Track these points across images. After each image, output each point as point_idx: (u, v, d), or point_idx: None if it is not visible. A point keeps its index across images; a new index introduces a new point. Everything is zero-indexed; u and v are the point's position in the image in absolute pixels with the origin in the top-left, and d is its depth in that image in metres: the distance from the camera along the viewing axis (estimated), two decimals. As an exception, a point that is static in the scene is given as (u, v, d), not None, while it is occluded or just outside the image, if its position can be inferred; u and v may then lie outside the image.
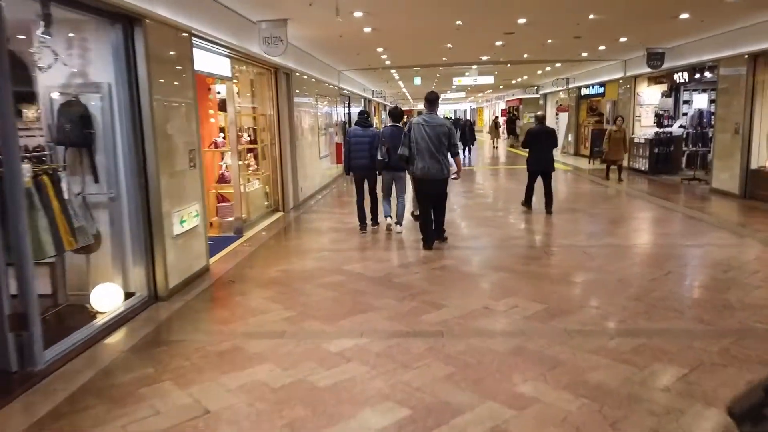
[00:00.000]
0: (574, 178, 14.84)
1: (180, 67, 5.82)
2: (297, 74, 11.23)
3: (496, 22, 9.69)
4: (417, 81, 19.07)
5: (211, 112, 8.54)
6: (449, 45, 12.35)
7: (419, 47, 12.74)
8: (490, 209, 10.39)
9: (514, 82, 25.82)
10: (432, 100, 7.10)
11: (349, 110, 19.45)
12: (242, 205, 8.43)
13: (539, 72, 20.67)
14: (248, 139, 9.52)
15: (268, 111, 10.03)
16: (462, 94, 33.34)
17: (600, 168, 16.71)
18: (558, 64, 17.72)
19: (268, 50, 8.30)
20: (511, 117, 31.79)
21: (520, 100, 33.01)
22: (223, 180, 8.33)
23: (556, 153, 23.75)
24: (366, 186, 8.28)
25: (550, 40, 12.08)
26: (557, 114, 26.46)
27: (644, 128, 15.82)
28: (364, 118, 8.44)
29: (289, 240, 8.16)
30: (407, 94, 34.20)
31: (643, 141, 14.97)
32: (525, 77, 23.56)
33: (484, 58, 15.20)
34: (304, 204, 11.25)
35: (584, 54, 14.82)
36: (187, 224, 5.75)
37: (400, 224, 8.10)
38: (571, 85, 21.58)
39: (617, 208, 10.41)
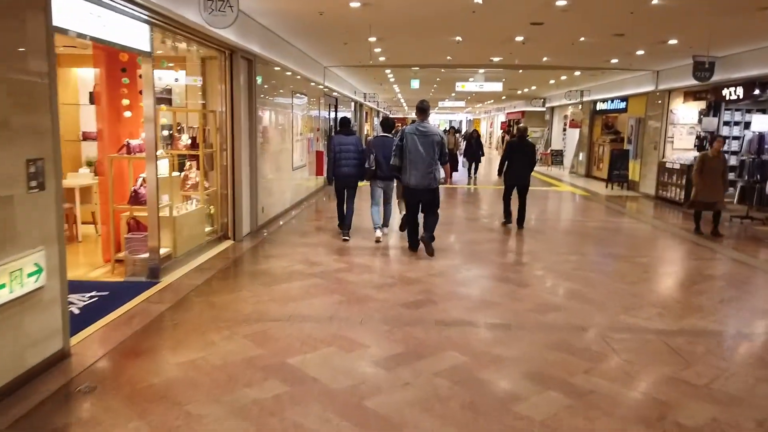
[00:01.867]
0: (595, 208, 12.50)
1: (12, 17, 3.36)
2: (264, 62, 8.80)
3: (526, 3, 7.32)
4: (415, 84, 16.74)
5: (126, 102, 6.07)
6: (458, 38, 9.98)
7: (421, 40, 10.38)
8: (506, 253, 7.98)
9: (519, 92, 23.59)
10: (424, 110, 7.04)
11: (336, 114, 17.04)
12: (164, 234, 5.98)
13: (551, 82, 18.41)
14: (188, 143, 7.08)
15: (218, 107, 7.59)
16: (461, 103, 31.09)
17: (618, 195, 14.41)
18: (577, 73, 15.44)
19: (212, 20, 5.86)
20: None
21: (523, 113, 30.81)
22: (137, 200, 5.85)
23: (563, 173, 21.61)
24: (346, 194, 8.27)
25: (582, 38, 9.75)
26: (565, 130, 24.27)
27: (677, 152, 13.56)
28: (347, 125, 8.43)
29: (223, 293, 5.66)
30: (402, 100, 31.89)
31: (677, 167, 12.69)
32: (533, 87, 21.31)
33: (496, 59, 12.86)
34: (266, 228, 8.79)
35: (614, 60, 12.54)
36: (14, 290, 3.28)
37: (386, 226, 8.35)
38: (585, 99, 19.33)
39: (673, 257, 8.07)
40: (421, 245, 7.14)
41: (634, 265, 7.14)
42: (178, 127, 7.46)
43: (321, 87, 14.08)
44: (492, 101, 32.71)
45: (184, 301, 5.19)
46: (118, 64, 5.96)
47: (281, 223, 9.38)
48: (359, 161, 7.98)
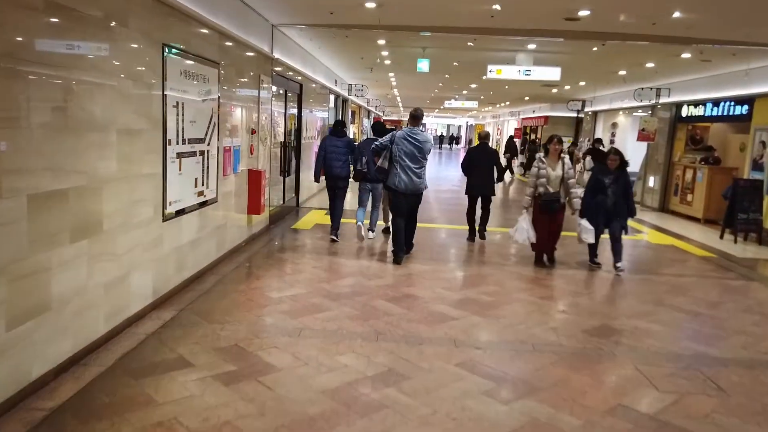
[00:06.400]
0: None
1: None
2: None
3: None
4: (423, 65, 10.78)
5: None
6: None
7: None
8: None
9: (554, 90, 17.72)
10: (417, 117, 7.08)
11: (300, 110, 11.05)
12: None
13: (621, 73, 12.55)
14: None
15: None
16: (473, 104, 25.17)
17: (752, 256, 8.48)
18: (686, 55, 9.59)
19: None
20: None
21: (546, 118, 25.06)
22: None
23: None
24: (336, 194, 8.20)
25: None
26: (612, 141, 18.45)
27: None
28: (340, 127, 8.37)
29: None
30: (398, 97, 25.97)
31: None
32: (582, 83, 15.44)
33: (583, 12, 6.97)
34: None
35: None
36: None
37: (373, 231, 8.22)
38: (664, 100, 13.51)
39: None
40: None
41: None
42: None
43: (264, 59, 8.12)
44: (507, 102, 26.90)
45: None
46: None
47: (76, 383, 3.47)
48: (348, 163, 8.11)
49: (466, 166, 8.66)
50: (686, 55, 9.61)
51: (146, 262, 4.67)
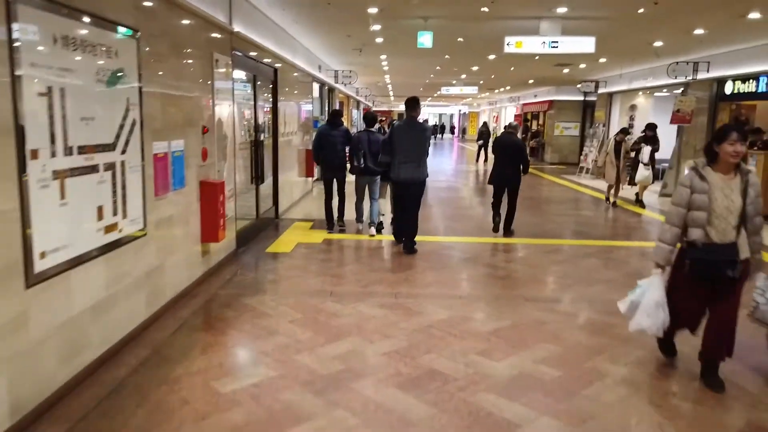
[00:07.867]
0: None
1: None
2: None
3: None
4: (424, 39, 8.75)
5: None
6: None
7: None
8: None
9: (566, 71, 15.76)
10: (412, 106, 6.98)
11: (275, 101, 9.02)
12: None
13: (658, 44, 10.61)
14: None
15: None
16: (472, 89, 23.14)
17: None
18: (755, 15, 7.68)
19: None
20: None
21: (550, 102, 23.16)
22: None
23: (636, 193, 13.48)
24: (335, 186, 8.09)
25: None
26: (631, 126, 16.50)
27: None
28: (335, 118, 8.21)
29: None
30: (390, 85, 23.96)
31: None
32: (603, 59, 13.47)
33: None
34: None
35: None
36: None
37: (373, 225, 7.86)
38: (702, 76, 11.61)
39: None
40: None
41: None
42: None
43: (218, 32, 6.12)
44: (507, 87, 24.93)
45: None
46: None
47: None
48: (345, 154, 7.99)
49: (493, 153, 8.73)
50: (754, 15, 7.68)
51: (-12, 366, 2.70)
